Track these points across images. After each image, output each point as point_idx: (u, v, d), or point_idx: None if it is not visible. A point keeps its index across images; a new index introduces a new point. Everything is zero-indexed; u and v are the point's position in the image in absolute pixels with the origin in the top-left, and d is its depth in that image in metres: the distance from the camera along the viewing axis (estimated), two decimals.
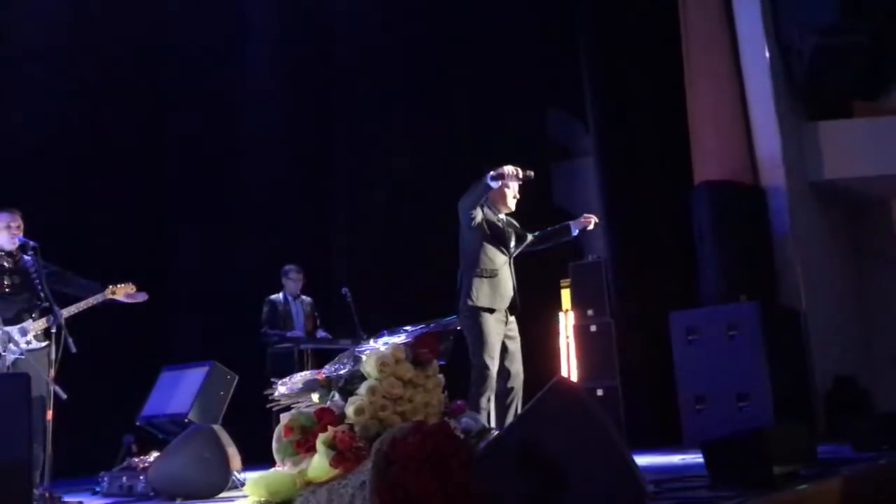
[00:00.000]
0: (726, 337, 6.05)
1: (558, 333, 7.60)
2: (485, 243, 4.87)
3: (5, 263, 5.03)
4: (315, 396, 3.07)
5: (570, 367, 7.35)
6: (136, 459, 5.37)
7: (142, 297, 5.37)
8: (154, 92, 8.19)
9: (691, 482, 3.51)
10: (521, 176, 4.74)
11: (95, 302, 5.17)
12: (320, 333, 7.04)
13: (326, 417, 2.88)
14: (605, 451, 2.58)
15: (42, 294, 4.95)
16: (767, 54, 7.10)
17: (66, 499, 4.72)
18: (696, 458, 4.92)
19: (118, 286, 5.27)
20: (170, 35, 8.32)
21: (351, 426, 2.79)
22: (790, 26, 7.11)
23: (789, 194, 6.89)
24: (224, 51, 8.46)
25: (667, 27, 7.29)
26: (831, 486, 3.19)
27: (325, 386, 3.05)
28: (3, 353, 4.79)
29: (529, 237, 5.12)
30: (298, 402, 3.09)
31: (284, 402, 3.10)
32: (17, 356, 4.86)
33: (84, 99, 7.54)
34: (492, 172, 4.66)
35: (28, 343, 4.91)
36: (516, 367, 4.89)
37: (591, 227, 5.17)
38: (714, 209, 6.62)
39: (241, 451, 5.06)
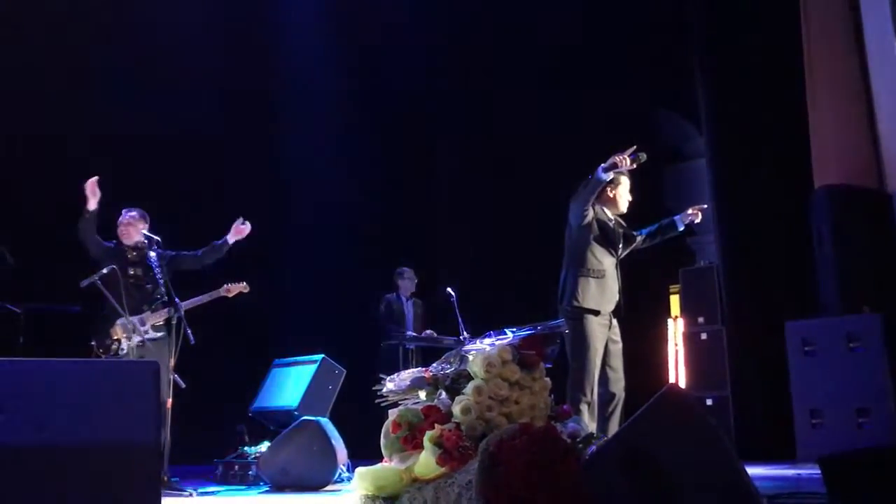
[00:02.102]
0: (846, 349, 5.76)
1: (666, 340, 7.43)
2: (593, 242, 4.79)
3: (129, 256, 5.34)
4: (422, 394, 3.10)
5: (678, 374, 7.17)
6: (248, 449, 5.58)
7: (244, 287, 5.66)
8: (266, 96, 8.43)
9: (807, 499, 3.38)
10: (632, 160, 4.60)
11: (210, 298, 5.46)
12: (426, 332, 7.17)
13: (433, 415, 2.90)
14: (718, 463, 2.50)
15: (163, 288, 5.23)
16: None
17: (183, 485, 4.94)
18: (811, 473, 4.74)
19: (232, 285, 5.56)
20: (278, 40, 8.55)
21: (457, 425, 2.81)
22: None
23: None
24: (333, 54, 8.65)
25: (786, 21, 6.99)
26: None
27: (433, 384, 3.08)
28: (124, 342, 5.07)
29: (638, 239, 5.02)
30: (406, 399, 3.13)
31: (392, 398, 3.14)
32: (136, 345, 5.14)
33: (194, 98, 7.82)
34: (603, 165, 4.59)
35: (146, 333, 5.17)
36: (618, 372, 4.80)
37: (697, 220, 5.03)
38: (835, 214, 6.31)
39: (348, 444, 5.18)
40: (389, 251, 8.11)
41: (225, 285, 5.56)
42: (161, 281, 5.26)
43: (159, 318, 5.24)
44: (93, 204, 5.13)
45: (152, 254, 5.33)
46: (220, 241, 5.56)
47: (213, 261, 5.58)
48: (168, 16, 7.68)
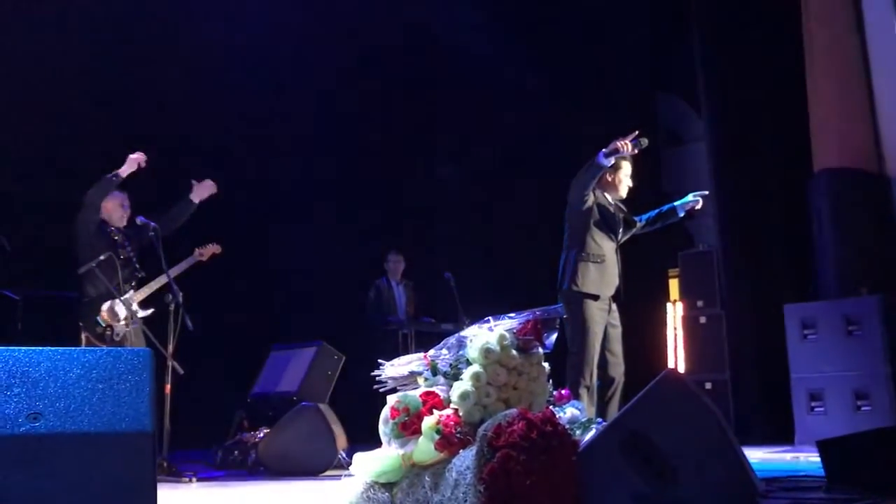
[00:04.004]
0: (845, 332, 5.77)
1: (665, 324, 7.44)
2: (593, 227, 4.78)
3: (116, 238, 5.35)
4: (420, 380, 3.09)
5: (677, 358, 7.18)
6: (247, 434, 5.58)
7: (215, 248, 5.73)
8: (265, 77, 8.37)
9: (805, 482, 3.37)
10: (633, 145, 4.58)
11: (187, 265, 5.50)
12: (424, 318, 7.21)
13: (432, 400, 2.89)
14: (717, 447, 2.50)
15: (138, 266, 5.27)
16: None
17: (182, 469, 4.95)
18: (809, 456, 4.75)
19: (205, 248, 5.58)
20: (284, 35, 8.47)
21: (456, 411, 2.80)
22: None
23: None
24: (331, 35, 8.58)
25: (786, 4, 6.95)
26: None
27: (431, 370, 3.07)
28: (116, 326, 5.06)
29: (638, 224, 5.01)
30: (404, 385, 3.12)
31: (391, 384, 3.14)
32: (125, 330, 5.13)
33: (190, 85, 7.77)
34: (604, 150, 4.57)
35: (136, 313, 5.18)
36: (617, 357, 4.80)
37: (698, 206, 5.02)
38: (834, 198, 6.31)
39: (347, 430, 5.19)
40: (388, 235, 8.10)
41: (196, 250, 5.58)
42: (136, 261, 5.30)
43: (142, 295, 5.26)
44: (126, 172, 5.16)
45: (131, 232, 5.37)
46: (183, 202, 5.54)
47: (179, 224, 5.52)
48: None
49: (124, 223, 5.39)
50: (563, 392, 3.23)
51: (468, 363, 2.95)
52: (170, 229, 5.48)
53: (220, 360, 6.95)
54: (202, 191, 5.56)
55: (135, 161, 5.18)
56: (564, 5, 8.16)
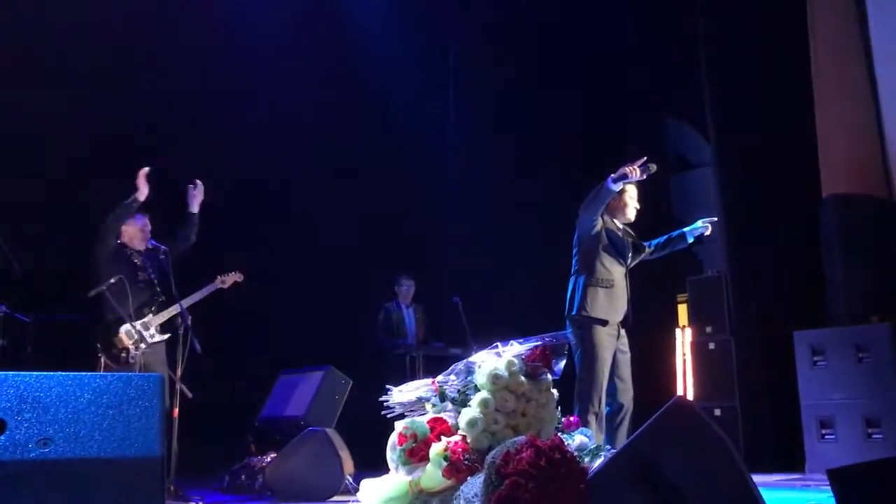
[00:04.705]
0: (856, 360, 5.74)
1: (674, 350, 7.40)
2: (602, 252, 4.79)
3: (136, 261, 5.36)
4: (428, 405, 3.09)
5: (686, 384, 7.14)
6: (255, 459, 5.57)
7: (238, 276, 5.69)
8: (268, 107, 8.43)
9: None
10: (642, 171, 4.59)
11: (208, 292, 5.48)
12: (434, 343, 7.22)
13: (440, 427, 2.89)
14: (726, 474, 2.49)
15: (159, 289, 5.27)
16: None
17: (190, 493, 4.94)
18: (819, 485, 4.70)
19: (227, 275, 5.57)
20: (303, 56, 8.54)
21: (464, 437, 2.80)
22: None
23: None
24: (331, 62, 8.65)
25: (793, 30, 6.97)
26: None
27: (439, 395, 3.07)
28: (132, 350, 5.07)
29: (647, 249, 5.01)
30: (412, 411, 3.12)
31: (399, 409, 3.14)
32: (139, 353, 5.13)
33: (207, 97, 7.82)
34: (612, 175, 4.59)
35: (152, 336, 5.19)
36: (626, 382, 4.78)
37: (707, 232, 5.03)
38: (843, 223, 6.28)
39: (355, 455, 5.18)
40: (395, 259, 8.10)
41: (219, 277, 5.58)
42: (157, 284, 5.31)
43: (161, 319, 5.26)
44: (143, 194, 5.14)
45: (150, 256, 5.39)
46: (185, 218, 5.56)
47: (192, 239, 5.56)
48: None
49: (144, 246, 5.41)
50: (571, 419, 3.22)
51: (476, 389, 2.95)
52: (185, 248, 5.53)
53: (228, 384, 6.95)
54: (197, 198, 5.58)
55: (144, 178, 5.14)
56: (572, 32, 8.21)
